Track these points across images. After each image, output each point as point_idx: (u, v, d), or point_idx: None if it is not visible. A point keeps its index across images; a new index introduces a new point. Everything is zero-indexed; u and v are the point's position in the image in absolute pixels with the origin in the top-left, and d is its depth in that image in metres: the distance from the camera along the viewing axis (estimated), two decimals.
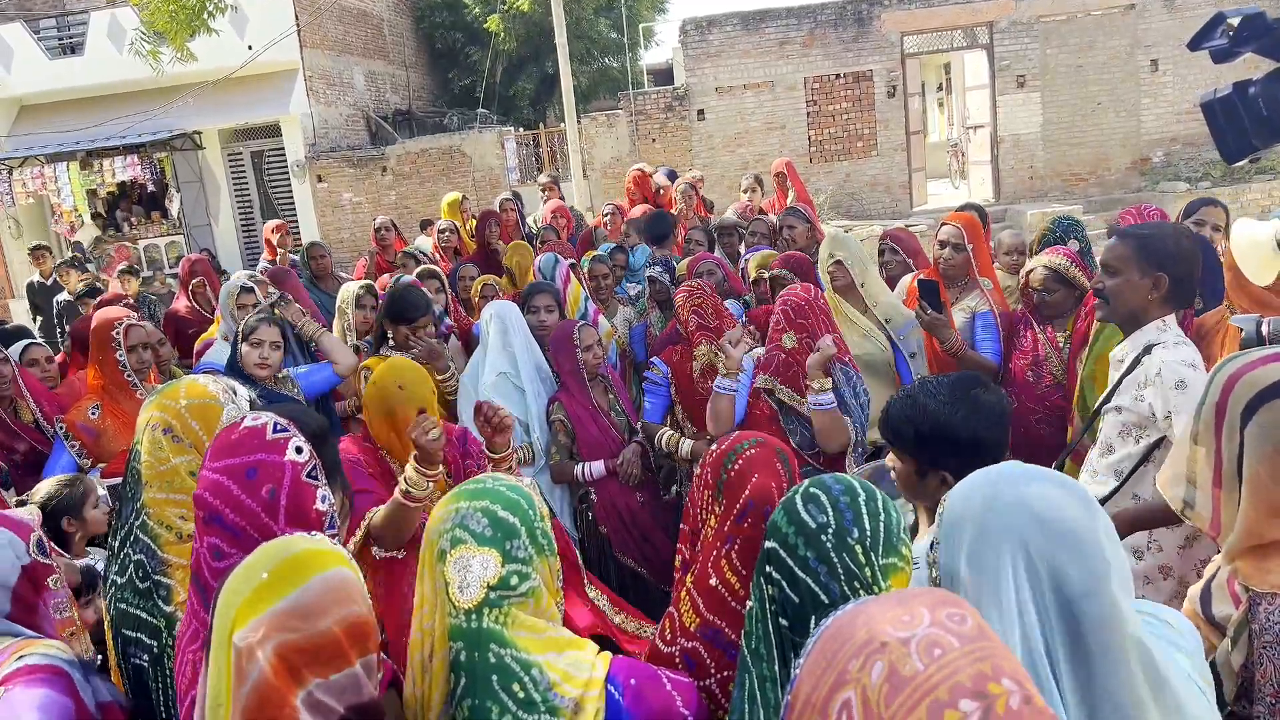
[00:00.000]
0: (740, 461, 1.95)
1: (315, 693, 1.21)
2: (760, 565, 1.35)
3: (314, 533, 1.42)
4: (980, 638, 0.89)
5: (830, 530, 1.28)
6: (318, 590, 1.24)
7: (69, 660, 1.66)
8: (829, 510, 1.30)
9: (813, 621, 1.24)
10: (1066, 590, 1.15)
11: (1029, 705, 0.83)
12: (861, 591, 1.25)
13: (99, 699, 1.68)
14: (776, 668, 1.28)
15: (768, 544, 1.34)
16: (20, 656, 1.60)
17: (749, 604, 1.36)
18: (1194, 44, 2.72)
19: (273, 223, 7.71)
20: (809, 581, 1.26)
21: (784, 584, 1.28)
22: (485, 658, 1.41)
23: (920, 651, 0.87)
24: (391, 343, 3.97)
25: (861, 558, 1.27)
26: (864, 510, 1.30)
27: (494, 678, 1.40)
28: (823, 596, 1.25)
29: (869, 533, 1.28)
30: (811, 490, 1.34)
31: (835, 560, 1.26)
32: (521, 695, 1.40)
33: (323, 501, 1.62)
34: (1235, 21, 2.56)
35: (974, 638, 0.89)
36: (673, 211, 6.90)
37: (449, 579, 1.44)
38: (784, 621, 1.27)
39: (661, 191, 8.27)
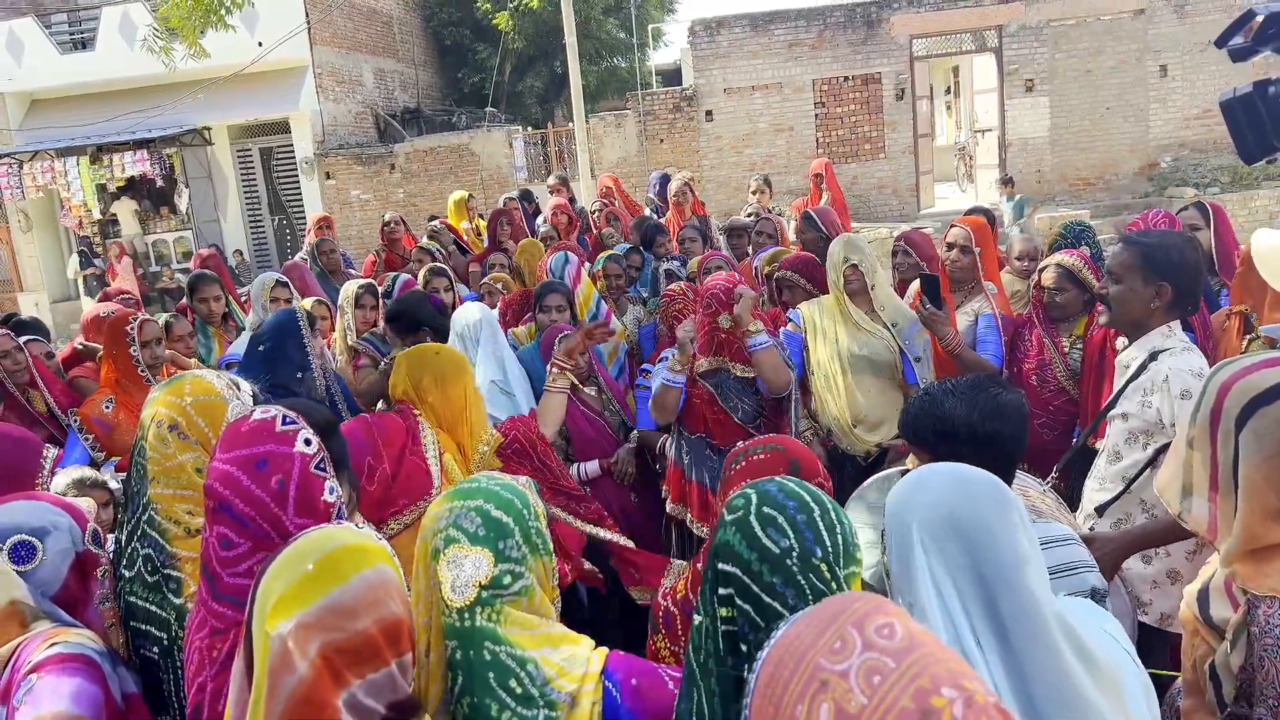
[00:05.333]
0: (744, 463, 2.01)
1: (357, 694, 1.24)
2: (712, 583, 1.32)
3: (362, 525, 1.45)
4: (912, 648, 0.90)
5: (795, 554, 1.27)
6: (358, 589, 1.26)
7: (99, 650, 1.67)
8: (790, 532, 1.28)
9: None
10: (983, 581, 1.28)
11: (971, 708, 0.85)
12: None
13: (125, 690, 1.69)
14: (727, 682, 1.28)
15: (722, 566, 1.31)
16: (52, 644, 1.61)
17: (697, 618, 1.34)
18: (1221, 41, 2.73)
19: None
20: (776, 606, 1.25)
21: (749, 609, 1.27)
22: (480, 655, 1.41)
23: (860, 682, 0.89)
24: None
25: (827, 574, 1.27)
26: (822, 526, 1.29)
27: (491, 675, 1.41)
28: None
29: (830, 549, 1.28)
30: (766, 510, 1.31)
31: (802, 582, 1.25)
32: (519, 691, 1.41)
33: (330, 493, 1.64)
34: (1262, 18, 2.57)
35: (906, 650, 0.90)
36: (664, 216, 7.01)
37: (442, 578, 1.44)
38: (744, 646, 1.27)
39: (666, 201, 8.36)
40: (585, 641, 1.54)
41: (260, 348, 3.40)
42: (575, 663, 1.48)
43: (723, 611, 1.29)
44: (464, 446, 2.82)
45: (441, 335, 3.99)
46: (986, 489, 1.37)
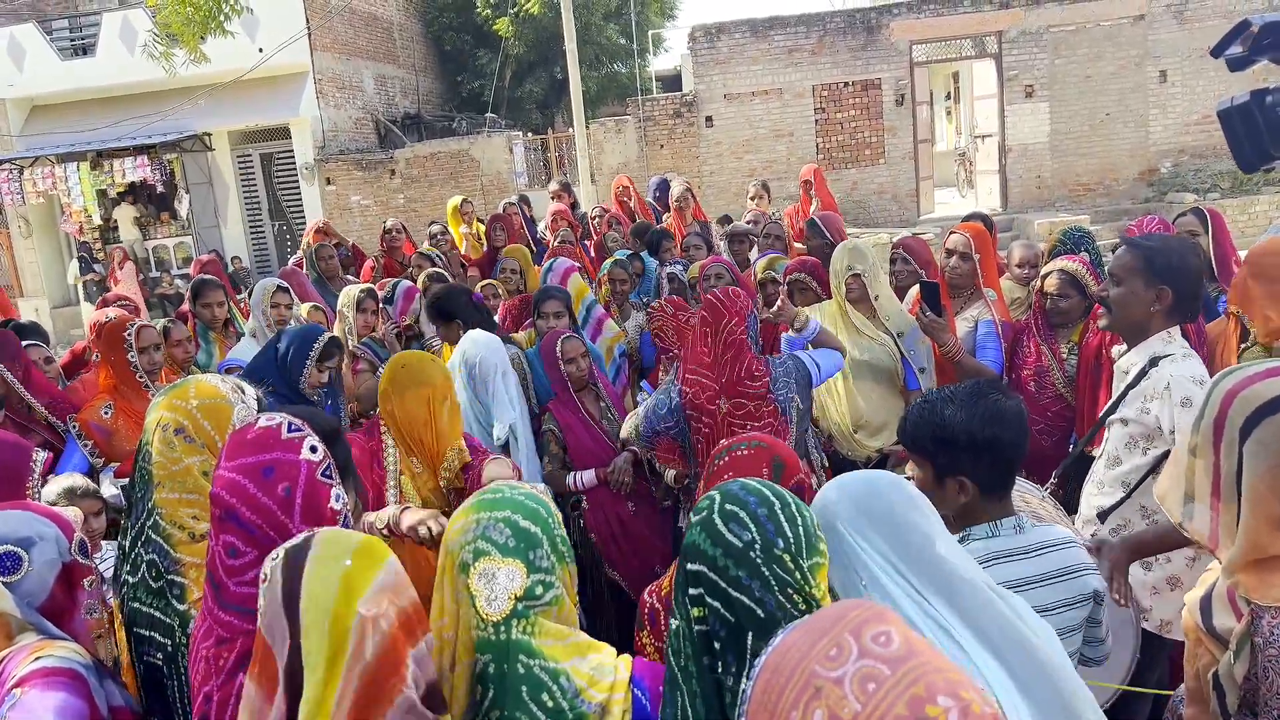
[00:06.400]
0: (728, 458, 2.05)
1: (412, 664, 1.30)
2: (682, 586, 1.35)
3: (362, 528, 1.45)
4: (909, 656, 0.90)
5: (758, 546, 1.30)
6: (393, 569, 1.34)
7: (84, 663, 1.66)
8: (752, 526, 1.31)
9: (749, 637, 1.27)
10: (907, 559, 1.45)
11: (967, 718, 0.85)
12: (795, 596, 1.28)
13: (112, 703, 1.68)
14: (707, 684, 1.30)
15: (691, 566, 1.34)
16: (37, 657, 1.60)
17: (674, 622, 1.37)
18: (1217, 50, 2.73)
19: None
20: (744, 599, 1.28)
21: (718, 605, 1.29)
22: (514, 669, 1.41)
23: (855, 689, 0.88)
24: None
25: (790, 565, 1.29)
26: (783, 518, 1.32)
27: (523, 689, 1.41)
28: (759, 611, 1.27)
29: (792, 540, 1.31)
30: (729, 507, 1.34)
31: (767, 573, 1.28)
32: (550, 705, 1.41)
33: (336, 500, 1.65)
34: (1258, 28, 2.57)
35: (903, 658, 0.90)
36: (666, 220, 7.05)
37: (475, 591, 1.44)
38: (716, 644, 1.29)
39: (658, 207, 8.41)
40: (608, 649, 1.55)
41: (276, 348, 3.45)
42: (604, 672, 1.49)
43: (695, 611, 1.32)
44: (431, 458, 2.77)
45: (473, 329, 3.99)
46: (888, 484, 1.55)
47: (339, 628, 1.25)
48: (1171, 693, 1.90)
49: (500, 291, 5.21)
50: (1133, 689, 2.48)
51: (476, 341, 3.68)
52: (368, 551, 1.34)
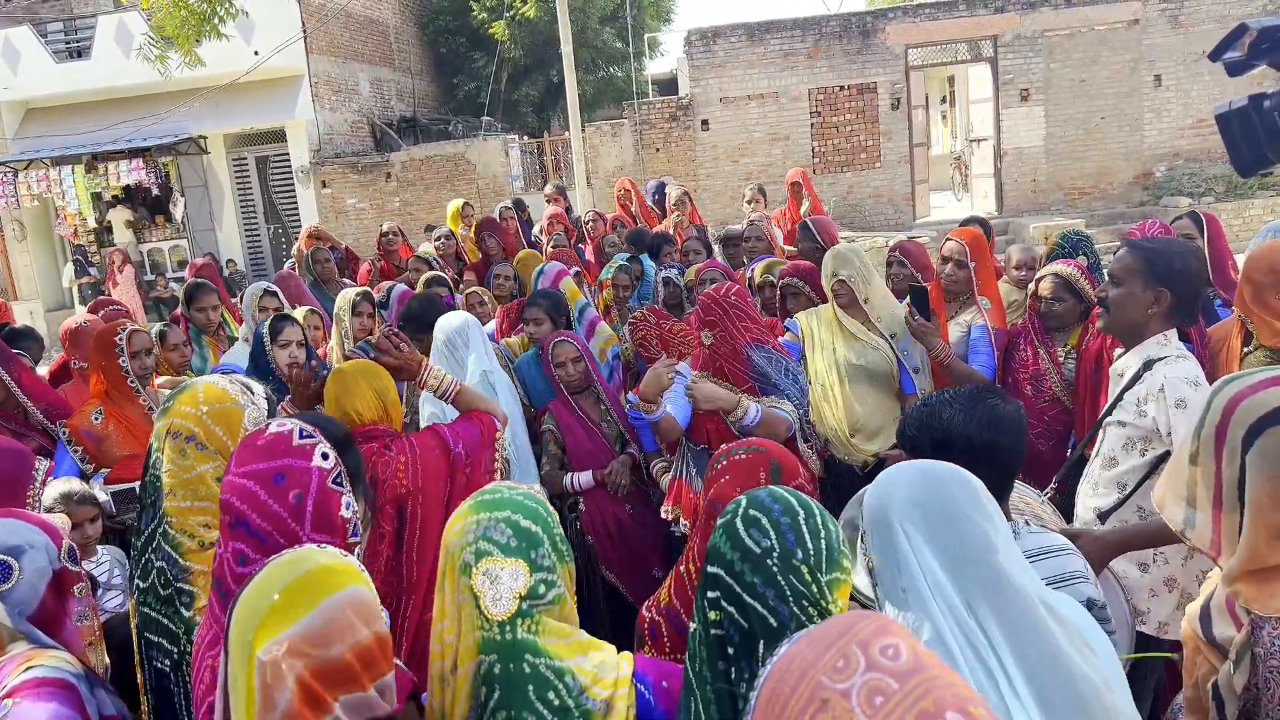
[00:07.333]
0: (726, 462, 2.05)
1: (340, 715, 1.24)
2: (702, 589, 1.35)
3: (323, 545, 1.43)
4: (917, 670, 0.89)
5: (775, 554, 1.29)
6: (328, 615, 1.27)
7: (76, 673, 1.65)
8: (771, 533, 1.31)
9: (761, 645, 1.26)
10: (964, 562, 1.35)
11: None
12: (810, 609, 1.27)
13: (104, 712, 1.67)
14: (720, 689, 1.29)
15: (710, 569, 1.34)
16: (28, 667, 1.59)
17: (692, 625, 1.36)
18: (1215, 54, 2.74)
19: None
20: (758, 606, 1.27)
21: (733, 611, 1.29)
22: (520, 668, 1.41)
23: (862, 703, 0.87)
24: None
25: (807, 577, 1.28)
26: (805, 529, 1.32)
27: (530, 688, 1.41)
28: (771, 620, 1.26)
29: (812, 552, 1.30)
30: (751, 513, 1.35)
31: (782, 583, 1.28)
32: (556, 703, 1.41)
33: (347, 508, 1.65)
34: (1256, 32, 2.57)
35: (912, 672, 0.89)
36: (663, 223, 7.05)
37: (479, 591, 1.43)
38: (730, 649, 1.28)
39: (655, 208, 8.42)
40: (609, 647, 1.56)
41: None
42: (606, 669, 1.49)
43: (711, 615, 1.32)
44: None
45: None
46: (952, 479, 1.44)
47: (247, 665, 1.23)
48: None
49: (487, 299, 5.20)
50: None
51: (448, 317, 3.74)
52: (308, 587, 1.28)
